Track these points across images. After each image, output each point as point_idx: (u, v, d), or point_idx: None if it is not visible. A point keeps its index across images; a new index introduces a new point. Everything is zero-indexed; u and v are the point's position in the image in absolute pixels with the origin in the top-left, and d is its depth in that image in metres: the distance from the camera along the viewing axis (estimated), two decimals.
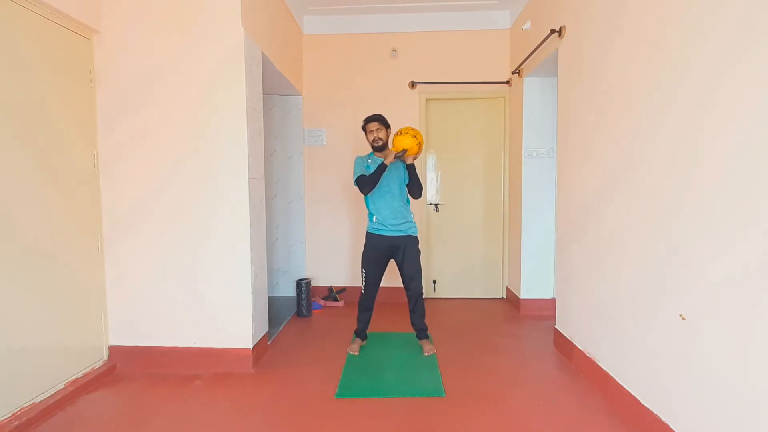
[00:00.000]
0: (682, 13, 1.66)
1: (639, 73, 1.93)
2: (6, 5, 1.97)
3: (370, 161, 2.85)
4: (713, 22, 1.50)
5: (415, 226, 2.91)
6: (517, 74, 3.77)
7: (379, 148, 2.83)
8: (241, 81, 2.53)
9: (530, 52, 3.31)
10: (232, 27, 2.52)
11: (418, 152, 2.78)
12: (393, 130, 4.08)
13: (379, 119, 2.85)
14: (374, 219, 2.85)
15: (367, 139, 2.85)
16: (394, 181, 2.83)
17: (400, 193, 2.84)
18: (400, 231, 2.82)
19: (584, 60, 2.51)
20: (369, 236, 2.90)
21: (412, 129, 2.76)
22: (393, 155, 2.72)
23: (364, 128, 2.87)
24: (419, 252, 2.90)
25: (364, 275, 2.89)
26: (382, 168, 2.71)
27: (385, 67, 4.12)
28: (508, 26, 4.05)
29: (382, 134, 2.82)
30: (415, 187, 2.85)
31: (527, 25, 3.50)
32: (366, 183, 2.73)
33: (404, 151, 2.71)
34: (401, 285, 2.96)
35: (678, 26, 1.68)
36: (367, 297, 2.90)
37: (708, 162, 1.52)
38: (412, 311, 2.90)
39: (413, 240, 2.87)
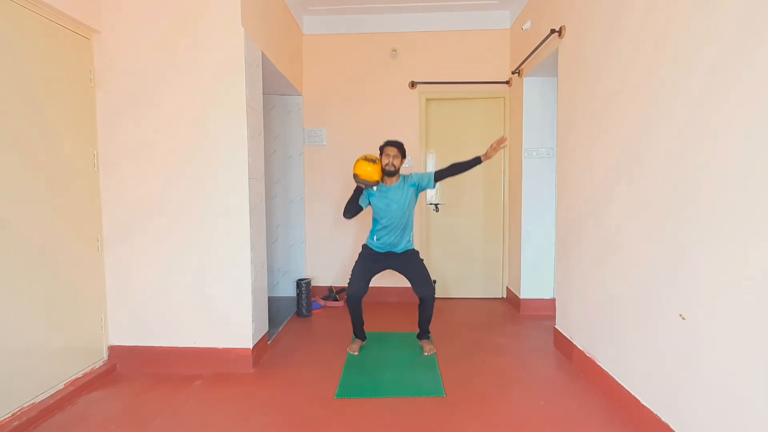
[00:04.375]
0: (686, 13, 1.66)
1: (642, 73, 1.93)
2: (5, 5, 1.97)
3: (375, 188, 2.84)
4: (717, 21, 1.50)
5: (412, 244, 2.96)
6: (517, 74, 3.77)
7: (390, 173, 2.80)
8: (241, 81, 2.53)
9: (530, 52, 3.31)
10: (232, 27, 2.52)
11: (377, 166, 2.77)
12: (396, 131, 4.12)
13: (398, 146, 2.83)
14: (375, 239, 2.90)
15: (381, 161, 2.82)
16: (398, 207, 2.81)
17: (402, 217, 2.83)
18: (397, 249, 2.88)
19: (585, 60, 2.51)
20: (365, 247, 2.95)
21: (366, 157, 2.79)
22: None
23: (381, 149, 2.85)
24: (421, 259, 2.93)
25: (351, 273, 2.88)
26: (357, 191, 2.84)
27: (385, 67, 4.12)
28: (508, 26, 4.05)
29: (396, 162, 2.79)
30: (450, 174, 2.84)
31: (527, 25, 3.50)
32: (345, 209, 2.84)
33: (376, 182, 2.77)
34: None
35: (682, 26, 1.68)
36: (351, 297, 2.81)
37: (712, 162, 1.51)
38: (421, 308, 2.88)
39: (411, 251, 2.92)
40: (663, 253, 1.77)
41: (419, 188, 2.86)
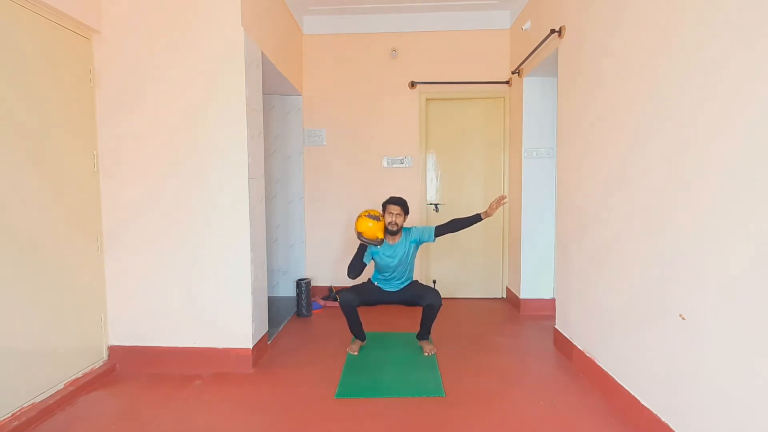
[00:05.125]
0: (686, 13, 1.66)
1: (641, 73, 1.93)
2: (5, 5, 1.97)
3: (379, 246, 2.82)
4: (718, 21, 1.50)
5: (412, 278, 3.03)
6: (517, 74, 3.76)
7: (393, 232, 2.80)
8: (241, 81, 2.53)
9: (530, 52, 3.31)
10: (231, 27, 2.52)
11: (377, 225, 2.74)
12: (396, 131, 4.12)
13: (401, 204, 2.82)
14: (376, 283, 2.97)
15: (384, 218, 2.80)
16: (400, 263, 2.85)
17: (404, 271, 2.89)
18: (398, 288, 2.95)
19: (584, 60, 2.51)
20: (370, 281, 3.00)
21: (369, 213, 2.77)
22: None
23: (384, 206, 2.84)
24: (421, 283, 3.02)
25: (352, 286, 2.93)
26: (361, 249, 2.82)
27: (385, 67, 4.12)
28: (508, 26, 4.05)
29: (399, 220, 2.79)
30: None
31: (527, 25, 3.50)
32: (349, 268, 2.82)
33: (380, 241, 2.75)
34: None
35: (681, 26, 1.68)
36: (344, 302, 2.77)
37: (710, 163, 1.51)
38: (426, 310, 2.86)
39: (411, 282, 2.99)
40: (663, 252, 1.77)
41: (420, 242, 2.90)
